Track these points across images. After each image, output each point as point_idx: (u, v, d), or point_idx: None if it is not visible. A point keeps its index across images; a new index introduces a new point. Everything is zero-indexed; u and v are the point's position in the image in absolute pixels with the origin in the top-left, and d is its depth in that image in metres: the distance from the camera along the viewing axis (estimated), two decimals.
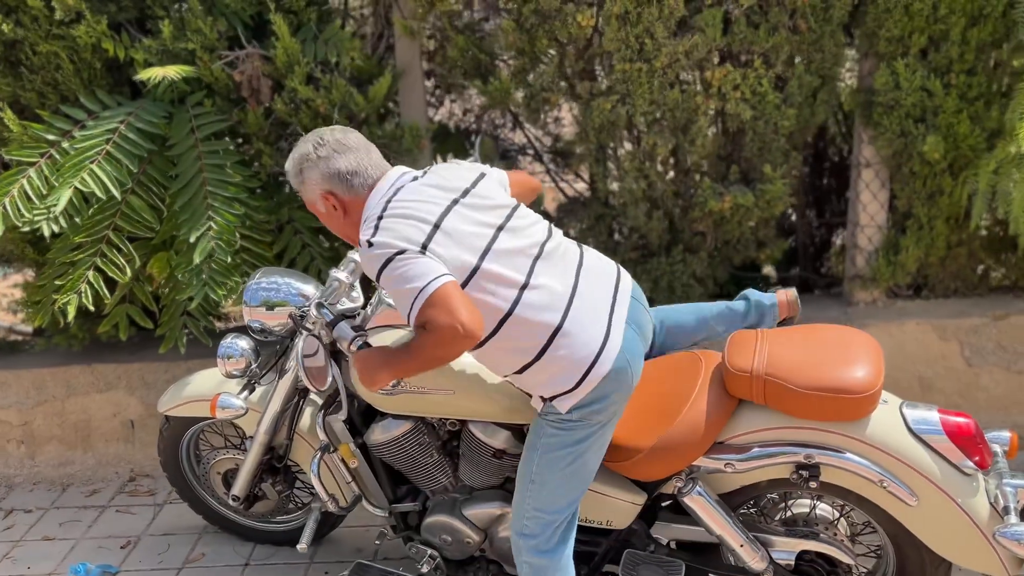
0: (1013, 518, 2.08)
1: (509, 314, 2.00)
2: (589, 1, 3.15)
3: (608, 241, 3.54)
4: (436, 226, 1.95)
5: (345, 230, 2.14)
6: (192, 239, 2.86)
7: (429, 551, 2.54)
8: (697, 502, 2.26)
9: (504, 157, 4.05)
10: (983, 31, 3.20)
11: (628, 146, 3.43)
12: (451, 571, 2.59)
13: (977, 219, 3.21)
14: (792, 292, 2.43)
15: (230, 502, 2.82)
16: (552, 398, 2.07)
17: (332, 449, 2.55)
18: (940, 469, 2.12)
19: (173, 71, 2.89)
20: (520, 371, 2.06)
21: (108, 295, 2.93)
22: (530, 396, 2.16)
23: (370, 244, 1.93)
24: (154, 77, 2.90)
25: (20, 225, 2.85)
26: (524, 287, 2.00)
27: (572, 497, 2.15)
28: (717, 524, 2.28)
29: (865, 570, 2.44)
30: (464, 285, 1.95)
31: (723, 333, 2.41)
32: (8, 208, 2.81)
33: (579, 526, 2.31)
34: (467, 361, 2.30)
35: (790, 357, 2.17)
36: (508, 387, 2.27)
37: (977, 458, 2.13)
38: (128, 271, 2.94)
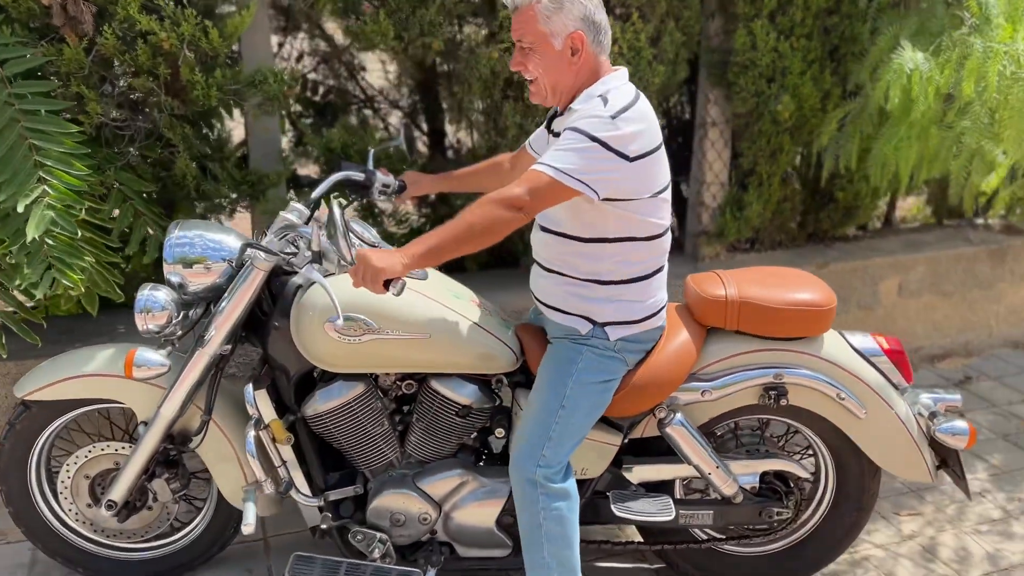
0: (942, 418, 2.40)
1: (654, 238, 2.15)
2: None
3: None
4: (659, 145, 2.07)
5: (557, 75, 2.07)
6: (20, 208, 2.21)
7: (378, 535, 2.37)
8: (678, 431, 2.34)
9: (342, 111, 3.65)
10: None
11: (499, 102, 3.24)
12: (399, 559, 2.41)
13: (827, 173, 3.49)
14: None
15: (102, 511, 2.38)
16: (605, 324, 2.19)
17: (264, 426, 2.28)
18: (882, 383, 2.40)
19: None
20: (609, 283, 2.16)
21: None
22: (564, 317, 2.24)
23: (613, 117, 1.98)
24: None
25: None
26: (669, 227, 2.20)
27: (586, 432, 2.23)
28: (695, 452, 2.37)
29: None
30: (644, 200, 2.08)
31: None
32: None
33: None
34: (442, 308, 2.25)
35: (756, 285, 2.37)
36: (481, 333, 2.28)
37: (904, 374, 2.44)
38: None
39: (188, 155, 2.81)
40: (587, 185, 1.97)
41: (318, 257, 2.00)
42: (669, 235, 2.22)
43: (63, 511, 2.50)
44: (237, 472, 2.42)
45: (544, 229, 2.22)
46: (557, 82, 2.08)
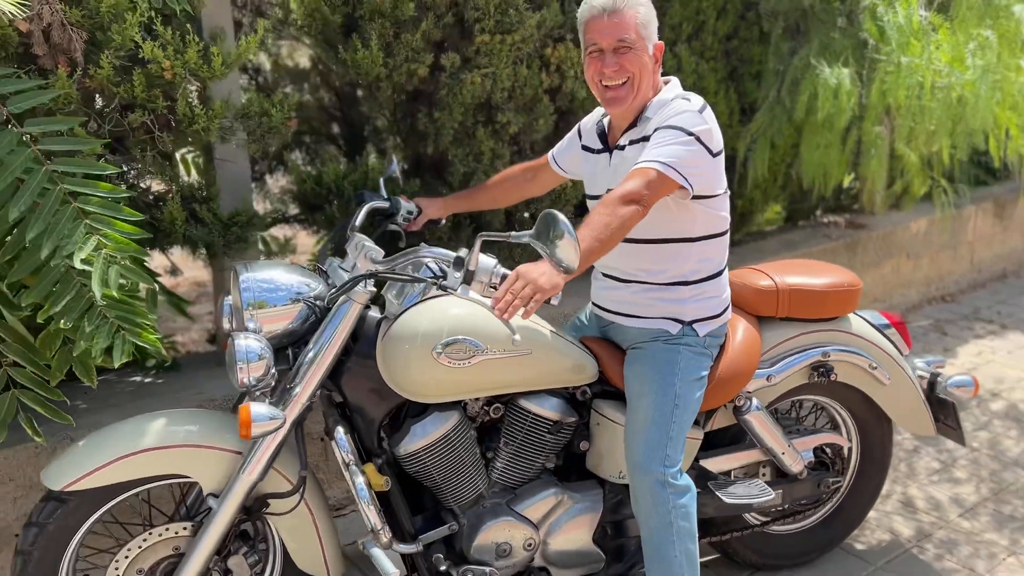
0: (942, 377, 2.84)
1: (725, 232, 2.36)
2: None
3: (453, 233, 3.35)
4: (723, 149, 2.28)
5: (648, 79, 2.23)
6: (77, 264, 1.93)
7: (487, 570, 2.34)
8: (757, 417, 2.56)
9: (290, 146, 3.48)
10: (725, 24, 3.91)
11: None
12: None
13: (751, 183, 3.91)
14: None
15: None
16: (693, 322, 2.36)
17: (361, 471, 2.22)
18: (896, 352, 2.79)
19: None
20: (695, 282, 2.34)
21: None
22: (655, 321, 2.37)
23: (700, 111, 2.20)
24: None
25: None
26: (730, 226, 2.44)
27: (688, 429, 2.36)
28: (770, 435, 2.60)
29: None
30: (720, 196, 2.30)
31: None
32: None
33: None
34: (529, 322, 2.28)
35: (792, 274, 2.66)
36: (568, 344, 2.35)
37: (906, 342, 2.87)
38: None
39: (179, 198, 2.58)
40: (687, 179, 2.12)
41: (469, 277, 1.97)
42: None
43: None
44: (312, 535, 2.28)
45: None
46: (642, 85, 2.23)
